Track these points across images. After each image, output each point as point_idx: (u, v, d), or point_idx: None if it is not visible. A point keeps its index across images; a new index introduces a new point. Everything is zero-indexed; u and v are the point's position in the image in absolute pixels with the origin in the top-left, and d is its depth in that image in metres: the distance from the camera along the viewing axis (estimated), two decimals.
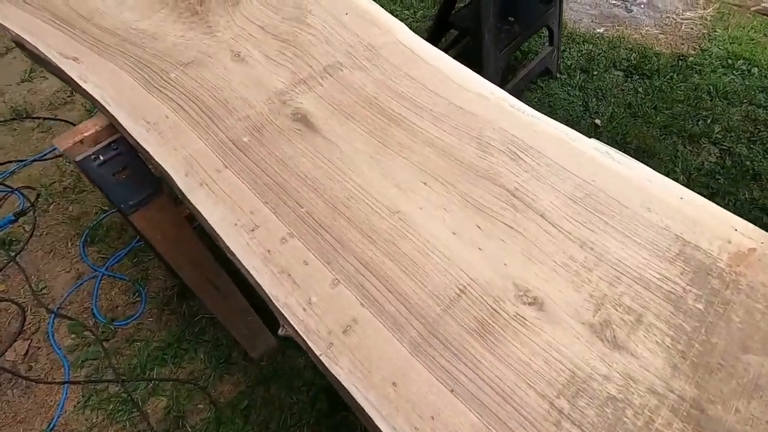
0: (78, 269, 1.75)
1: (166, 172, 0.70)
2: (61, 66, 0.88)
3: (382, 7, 1.03)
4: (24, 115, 2.27)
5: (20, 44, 0.97)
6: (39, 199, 1.94)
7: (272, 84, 0.83)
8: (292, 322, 0.53)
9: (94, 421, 1.40)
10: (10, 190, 1.98)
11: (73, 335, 1.59)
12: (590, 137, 0.74)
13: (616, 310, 0.54)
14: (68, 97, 2.37)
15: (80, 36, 0.94)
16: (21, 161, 2.08)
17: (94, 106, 0.90)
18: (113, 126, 0.88)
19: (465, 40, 2.42)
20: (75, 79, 0.85)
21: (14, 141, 2.18)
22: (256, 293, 0.60)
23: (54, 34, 0.95)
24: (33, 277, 1.73)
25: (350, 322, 0.53)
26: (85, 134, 0.86)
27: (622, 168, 0.66)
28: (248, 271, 0.59)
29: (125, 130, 0.78)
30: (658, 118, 2.19)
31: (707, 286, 0.55)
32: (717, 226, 0.60)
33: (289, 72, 0.85)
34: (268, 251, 0.60)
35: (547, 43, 2.44)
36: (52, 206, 1.93)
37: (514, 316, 0.54)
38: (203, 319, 1.61)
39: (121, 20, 0.98)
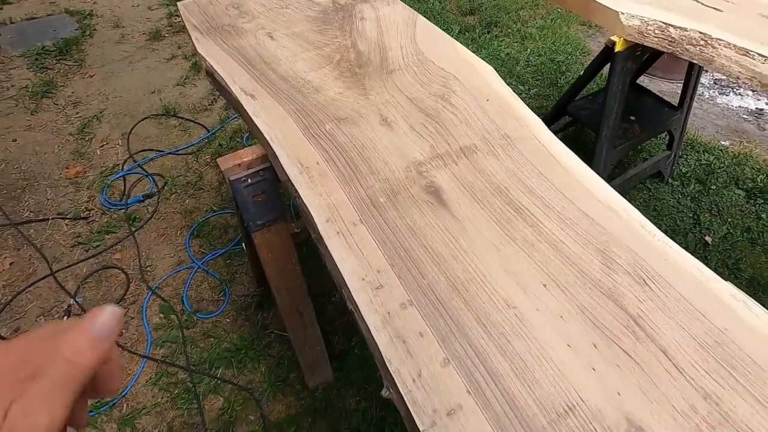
0: (180, 257, 1.95)
1: (309, 213, 0.79)
2: (240, 99, 1.04)
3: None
4: (171, 114, 2.64)
5: (210, 74, 1.17)
6: (165, 188, 2.22)
7: (412, 154, 0.91)
8: (400, 390, 0.57)
9: (158, 400, 1.52)
10: (145, 173, 2.28)
11: (161, 315, 1.75)
12: (696, 253, 0.72)
13: None
14: (209, 105, 2.72)
15: (259, 77, 1.11)
16: (160, 152, 2.40)
17: (250, 134, 1.04)
18: (266, 156, 1.01)
19: (574, 126, 2.43)
20: (249, 113, 1.00)
21: (158, 133, 2.53)
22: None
23: (239, 72, 1.13)
24: (143, 253, 1.95)
25: (455, 407, 0.55)
26: (243, 159, 1.00)
27: (761, 324, 0.63)
28: (368, 328, 0.64)
29: (281, 166, 0.90)
30: None
31: None
32: None
33: (428, 145, 0.92)
34: (388, 313, 0.65)
35: (663, 146, 2.37)
36: (173, 196, 2.20)
37: None
38: (272, 333, 1.70)
39: (293, 69, 1.14)
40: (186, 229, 2.05)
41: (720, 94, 3.01)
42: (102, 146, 2.45)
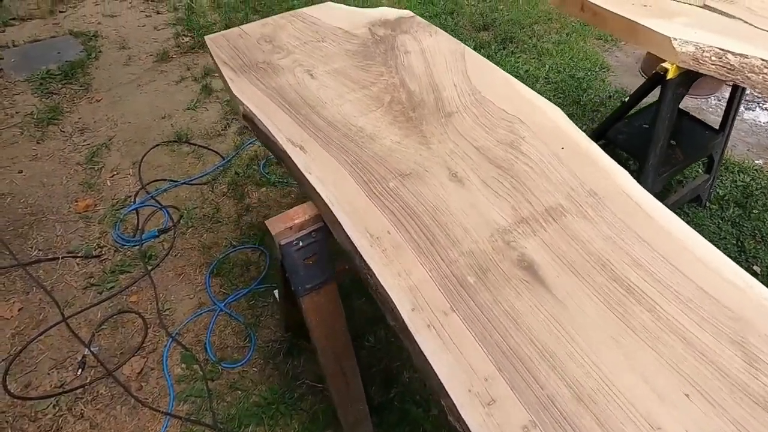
0: (200, 298, 1.83)
1: (389, 298, 0.69)
2: (288, 151, 0.93)
3: None
4: (183, 140, 2.53)
5: (248, 119, 1.06)
6: (180, 221, 2.11)
7: (492, 217, 0.80)
8: None
9: None
10: (159, 206, 2.17)
11: (183, 365, 1.63)
12: None
13: None
14: (222, 130, 2.61)
15: (305, 123, 1.00)
16: (173, 182, 2.29)
17: (294, 179, 0.91)
18: (318, 216, 0.91)
19: (606, 149, 2.33)
20: (300, 168, 0.90)
21: (171, 161, 2.42)
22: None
23: (282, 117, 1.02)
24: (161, 295, 1.84)
25: None
26: (296, 221, 0.89)
27: None
28: None
29: (345, 234, 0.79)
30: None
31: None
32: None
33: (509, 206, 0.82)
34: None
35: (700, 170, 2.27)
36: (189, 230, 2.08)
37: None
38: (304, 384, 1.58)
39: (341, 113, 1.04)
40: (205, 266, 1.94)
41: (746, 109, 2.93)
42: (112, 176, 2.34)
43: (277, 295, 1.47)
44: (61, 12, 3.62)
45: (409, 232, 0.77)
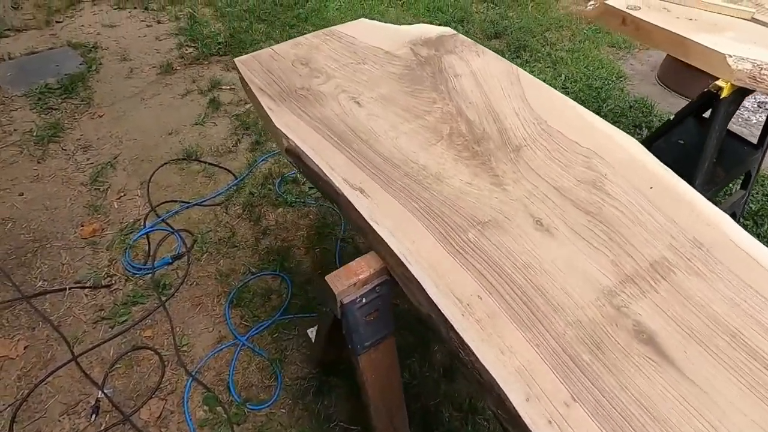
0: (220, 332, 1.71)
1: (494, 382, 0.58)
2: (346, 195, 0.83)
3: None
4: (193, 157, 2.41)
5: (294, 153, 0.96)
6: (194, 246, 1.99)
7: (593, 275, 0.70)
8: None
9: None
10: (171, 230, 2.05)
11: (205, 407, 1.51)
12: None
13: None
14: (233, 146, 2.50)
15: (359, 160, 0.90)
16: (185, 203, 2.17)
17: (351, 225, 0.79)
18: (384, 269, 0.80)
19: None
20: (364, 217, 0.79)
21: (181, 181, 2.30)
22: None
23: (333, 153, 0.92)
24: (177, 328, 1.72)
25: None
26: (359, 277, 0.79)
27: None
28: None
29: (427, 297, 0.69)
30: None
31: None
32: None
33: (608, 261, 0.72)
34: None
35: (731, 185, 2.21)
36: (204, 256, 1.96)
37: None
38: (337, 427, 1.47)
39: (398, 148, 0.94)
40: (223, 296, 1.82)
41: None
42: (119, 198, 2.22)
43: (311, 335, 1.37)
44: (57, 22, 3.48)
45: (503, 297, 0.67)
